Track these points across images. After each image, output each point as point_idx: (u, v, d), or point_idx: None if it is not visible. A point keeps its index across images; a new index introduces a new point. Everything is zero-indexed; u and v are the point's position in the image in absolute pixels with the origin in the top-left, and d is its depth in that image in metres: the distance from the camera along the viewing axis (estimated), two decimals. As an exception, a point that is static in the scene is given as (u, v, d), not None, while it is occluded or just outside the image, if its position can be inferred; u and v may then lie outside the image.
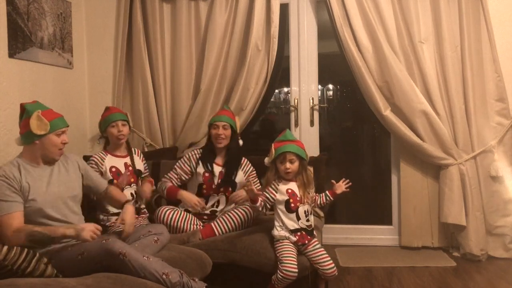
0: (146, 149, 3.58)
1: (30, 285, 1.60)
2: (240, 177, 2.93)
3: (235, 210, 2.76)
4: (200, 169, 2.89)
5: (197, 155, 2.95)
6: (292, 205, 2.48)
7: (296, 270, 2.35)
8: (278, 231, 2.50)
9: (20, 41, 2.84)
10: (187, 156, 2.96)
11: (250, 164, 3.01)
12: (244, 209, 2.75)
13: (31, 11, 2.94)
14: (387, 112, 3.37)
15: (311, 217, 2.55)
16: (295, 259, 2.38)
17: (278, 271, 2.35)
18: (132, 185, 2.85)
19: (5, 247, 1.79)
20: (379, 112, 3.39)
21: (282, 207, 2.49)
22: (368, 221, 3.84)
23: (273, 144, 2.53)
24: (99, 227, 2.08)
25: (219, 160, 2.94)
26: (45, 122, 2.09)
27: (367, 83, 3.35)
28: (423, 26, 3.35)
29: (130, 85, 3.66)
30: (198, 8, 3.56)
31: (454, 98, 3.33)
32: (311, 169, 2.60)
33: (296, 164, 2.49)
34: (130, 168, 2.89)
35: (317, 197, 2.61)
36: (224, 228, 2.71)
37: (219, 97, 3.54)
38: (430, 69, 3.35)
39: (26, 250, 1.86)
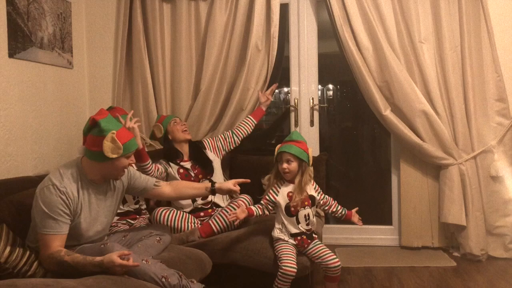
0: (146, 149, 3.58)
1: (30, 285, 1.60)
2: (212, 156, 3.08)
3: (231, 205, 2.79)
4: (173, 169, 2.96)
5: (164, 163, 2.99)
6: (292, 209, 2.47)
7: (295, 266, 2.35)
8: (277, 233, 2.50)
9: (20, 41, 2.84)
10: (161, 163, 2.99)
11: (210, 138, 3.22)
12: (239, 202, 2.76)
13: (31, 11, 2.94)
14: (387, 112, 3.37)
15: (313, 221, 2.54)
16: (294, 257, 2.39)
17: (279, 269, 2.35)
18: None
19: (7, 250, 1.78)
20: (379, 112, 3.39)
21: (283, 210, 2.48)
22: (368, 221, 3.81)
23: (279, 145, 2.55)
24: (123, 262, 1.82)
25: (185, 157, 3.05)
26: (119, 146, 1.99)
27: (367, 83, 3.35)
28: (423, 26, 3.35)
29: (130, 85, 3.66)
30: (198, 8, 3.56)
31: (454, 98, 3.33)
32: (311, 169, 2.58)
33: (294, 165, 2.47)
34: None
35: (332, 201, 2.60)
36: (222, 224, 2.72)
37: (219, 97, 3.54)
38: (430, 69, 3.35)
39: (28, 253, 1.86)
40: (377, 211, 3.97)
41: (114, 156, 2.00)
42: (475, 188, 3.33)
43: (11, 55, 2.75)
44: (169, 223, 2.71)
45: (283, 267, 2.34)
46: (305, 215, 2.48)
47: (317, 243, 2.53)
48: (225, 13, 3.52)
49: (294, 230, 2.47)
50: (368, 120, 3.97)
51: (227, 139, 3.22)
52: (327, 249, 2.50)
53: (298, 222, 2.47)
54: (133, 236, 2.30)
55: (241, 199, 2.80)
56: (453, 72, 3.33)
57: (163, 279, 1.91)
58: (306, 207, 2.49)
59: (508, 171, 3.31)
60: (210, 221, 2.74)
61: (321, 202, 2.59)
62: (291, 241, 2.46)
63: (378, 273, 3.10)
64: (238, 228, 2.73)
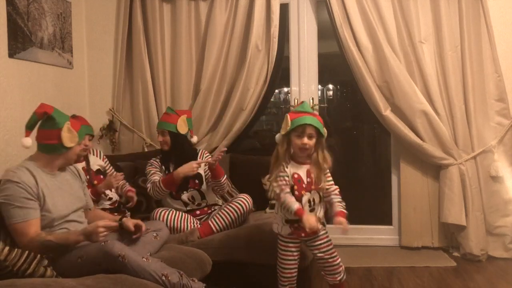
0: (146, 149, 3.58)
1: (30, 285, 1.60)
2: (201, 167, 2.94)
3: (230, 205, 2.79)
4: (164, 174, 2.91)
5: (158, 163, 2.96)
6: (297, 192, 2.16)
7: (292, 267, 2.24)
8: (274, 224, 2.26)
9: (20, 41, 2.84)
10: (153, 164, 2.94)
11: (207, 152, 3.05)
12: (239, 202, 2.78)
13: (31, 11, 2.94)
14: (387, 112, 3.37)
15: (319, 208, 2.21)
16: (291, 254, 2.24)
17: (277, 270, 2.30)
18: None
19: (6, 248, 1.79)
20: (379, 112, 3.39)
21: None
22: (368, 221, 3.83)
23: (288, 115, 2.20)
24: (106, 223, 1.99)
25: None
26: (75, 134, 2.09)
27: (367, 83, 3.35)
28: (423, 26, 3.35)
29: (130, 85, 3.67)
30: (198, 8, 3.56)
31: (454, 98, 3.33)
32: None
33: (314, 140, 2.16)
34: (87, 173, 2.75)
35: (334, 191, 2.23)
36: (222, 223, 2.72)
37: (219, 97, 3.54)
38: (430, 69, 3.35)
39: (26, 252, 1.86)
40: (377, 211, 3.97)
41: (73, 145, 2.10)
42: (475, 188, 3.33)
43: (11, 55, 2.75)
44: (168, 223, 2.70)
45: (280, 269, 2.26)
46: (309, 200, 2.18)
47: (325, 240, 2.23)
48: (225, 13, 3.52)
49: (290, 216, 2.14)
50: (368, 120, 3.97)
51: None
52: (334, 254, 2.25)
53: None
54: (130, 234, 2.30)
55: (241, 199, 2.80)
56: (453, 72, 3.33)
57: (163, 277, 1.90)
58: (312, 191, 2.19)
59: (508, 171, 3.31)
60: (209, 221, 2.74)
61: (326, 185, 2.22)
62: (285, 229, 2.18)
63: (378, 273, 3.10)
64: (237, 227, 2.74)
